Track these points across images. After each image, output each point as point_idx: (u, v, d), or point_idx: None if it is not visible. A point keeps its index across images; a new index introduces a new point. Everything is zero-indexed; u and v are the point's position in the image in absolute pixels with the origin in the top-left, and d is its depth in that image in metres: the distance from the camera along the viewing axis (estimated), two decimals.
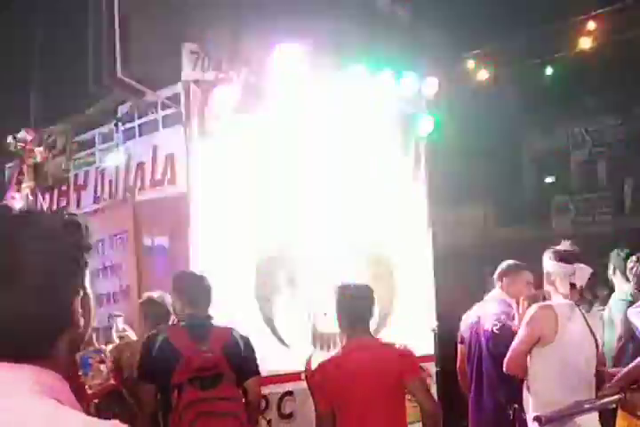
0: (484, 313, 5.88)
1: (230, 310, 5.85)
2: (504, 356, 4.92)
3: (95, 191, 6.96)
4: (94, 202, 6.93)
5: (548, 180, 22.27)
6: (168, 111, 6.16)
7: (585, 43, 14.41)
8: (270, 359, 6.00)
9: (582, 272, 4.77)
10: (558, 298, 4.82)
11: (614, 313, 6.04)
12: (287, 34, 6.18)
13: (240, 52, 6.06)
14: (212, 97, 5.90)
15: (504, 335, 5.49)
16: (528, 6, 17.35)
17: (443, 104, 7.71)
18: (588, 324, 4.78)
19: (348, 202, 6.81)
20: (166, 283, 5.93)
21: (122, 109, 6.66)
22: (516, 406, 5.34)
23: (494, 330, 5.66)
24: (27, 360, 1.39)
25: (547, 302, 4.86)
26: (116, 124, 6.69)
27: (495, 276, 5.92)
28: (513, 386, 5.21)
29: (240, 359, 4.72)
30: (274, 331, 6.19)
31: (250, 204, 6.20)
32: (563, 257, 4.81)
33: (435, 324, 7.18)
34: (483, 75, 15.94)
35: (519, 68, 16.59)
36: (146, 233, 6.22)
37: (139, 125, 6.50)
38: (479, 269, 9.77)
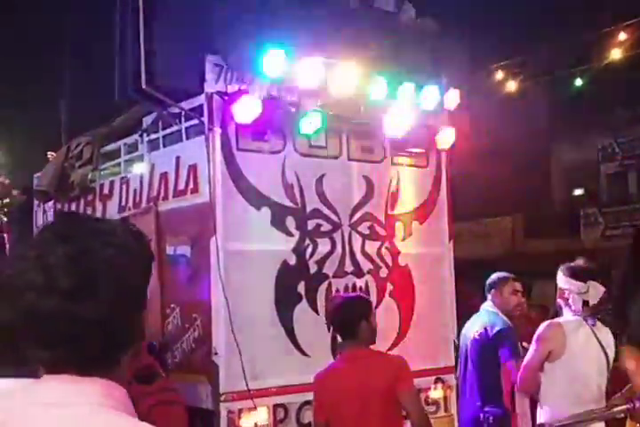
0: (471, 324, 6.54)
1: (251, 320, 5.92)
2: (482, 360, 5.21)
3: (120, 201, 7.06)
4: (119, 211, 7.03)
5: (578, 192, 22.13)
6: (191, 122, 6.24)
7: (615, 54, 14.34)
8: (291, 369, 6.05)
9: (595, 290, 4.90)
10: (568, 313, 4.96)
11: None
12: (309, 47, 6.25)
13: (262, 64, 6.13)
14: (234, 109, 5.98)
15: (484, 341, 6.14)
16: (557, 17, 17.31)
17: (470, 116, 7.73)
18: (598, 339, 4.82)
19: (369, 213, 6.84)
20: (187, 293, 6.03)
21: (147, 121, 6.77)
22: (488, 409, 5.76)
23: (475, 336, 6.12)
24: (95, 372, 1.38)
25: (555, 320, 5.03)
26: (140, 135, 6.80)
27: (485, 288, 6.41)
28: (490, 391, 5.68)
29: None
30: (294, 341, 6.23)
31: (272, 214, 6.27)
32: (576, 274, 4.95)
33: (454, 336, 7.17)
34: (511, 86, 15.94)
35: (548, 79, 16.56)
36: (168, 242, 6.29)
37: (163, 136, 6.60)
38: None
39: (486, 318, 6.47)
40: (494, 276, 6.54)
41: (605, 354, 4.94)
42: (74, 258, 1.37)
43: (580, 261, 5.10)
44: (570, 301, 4.98)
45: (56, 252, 1.38)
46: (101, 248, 1.40)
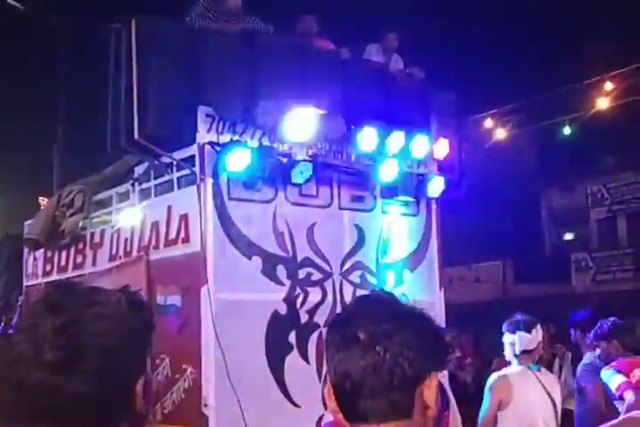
0: None
1: (241, 370, 5.88)
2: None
3: (111, 250, 7.05)
4: (110, 260, 7.02)
5: (568, 237, 22.22)
6: (183, 172, 6.28)
7: (602, 103, 14.58)
8: (281, 420, 5.99)
9: (521, 340, 5.24)
10: (514, 363, 5.30)
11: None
12: (300, 98, 6.33)
13: (254, 115, 6.21)
14: (226, 158, 6.03)
15: None
16: (546, 67, 17.61)
17: (460, 163, 7.81)
18: (543, 386, 5.09)
19: (360, 262, 6.85)
20: (177, 343, 5.99)
21: (138, 170, 6.81)
22: None
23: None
24: None
25: (501, 371, 5.41)
26: (132, 184, 6.83)
27: None
28: None
29: None
30: (285, 391, 6.18)
31: (262, 263, 6.27)
32: (507, 327, 5.34)
33: (448, 384, 7.12)
34: (501, 133, 16.14)
35: (537, 127, 16.78)
36: (159, 292, 6.28)
37: (154, 186, 6.63)
38: (498, 327, 9.73)
39: None
40: None
41: (552, 400, 5.22)
42: (61, 330, 1.36)
43: (517, 315, 5.40)
44: (504, 352, 5.39)
45: (46, 324, 1.37)
46: (92, 320, 1.38)
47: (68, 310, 1.39)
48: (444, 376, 7.03)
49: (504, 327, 5.37)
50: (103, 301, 1.43)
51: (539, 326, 5.33)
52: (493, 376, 5.33)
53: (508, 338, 5.32)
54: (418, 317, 1.60)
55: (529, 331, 5.24)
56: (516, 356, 5.29)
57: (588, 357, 6.45)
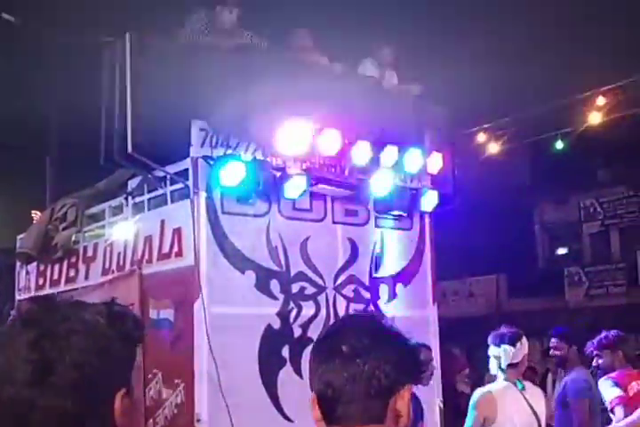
0: None
1: (234, 384, 5.85)
2: None
3: (104, 264, 7.03)
4: (103, 274, 6.99)
5: (561, 251, 22.25)
6: (176, 186, 6.28)
7: (594, 118, 14.66)
8: None
9: (506, 353, 5.16)
10: (500, 377, 5.24)
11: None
12: (294, 112, 6.34)
13: (248, 129, 6.22)
14: (220, 172, 6.03)
15: None
16: (539, 81, 17.69)
17: (453, 177, 7.83)
18: (527, 401, 5.05)
19: (353, 276, 6.85)
20: (170, 357, 5.97)
21: (132, 184, 6.80)
22: None
23: None
24: None
25: (485, 387, 5.39)
26: (125, 198, 6.82)
27: None
28: None
29: None
30: (278, 406, 6.15)
31: (256, 277, 6.26)
32: (492, 340, 5.27)
33: (440, 399, 7.11)
34: (493, 148, 16.19)
35: (530, 141, 16.85)
36: (152, 306, 6.26)
37: (148, 200, 6.62)
38: None
39: None
40: None
41: (536, 416, 5.14)
42: (33, 345, 1.36)
43: (502, 328, 5.33)
44: (489, 366, 5.32)
45: (20, 338, 1.38)
46: (65, 335, 1.38)
47: (41, 325, 1.39)
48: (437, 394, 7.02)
49: (489, 340, 5.32)
50: (79, 315, 1.43)
51: (524, 338, 5.28)
52: (477, 392, 5.29)
53: (493, 351, 5.28)
54: (396, 335, 1.81)
55: (514, 344, 5.20)
56: (501, 369, 5.24)
57: (584, 373, 6.45)
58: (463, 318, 17.47)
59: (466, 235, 17.12)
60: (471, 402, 5.25)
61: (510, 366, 5.21)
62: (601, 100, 14.65)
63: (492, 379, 5.97)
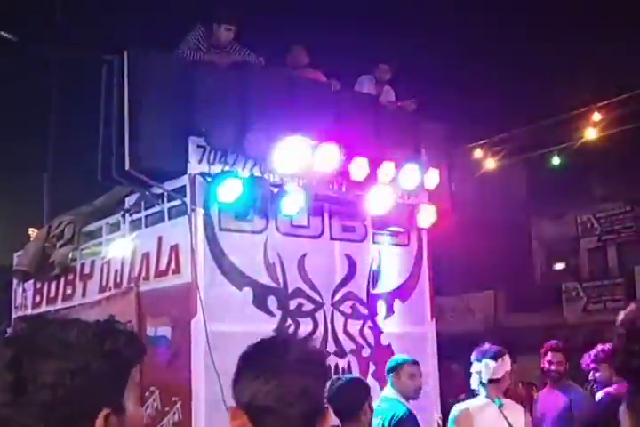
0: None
1: (231, 400, 5.80)
2: None
3: (101, 281, 7.02)
4: (100, 291, 6.97)
5: (558, 266, 22.23)
6: (174, 203, 6.27)
7: (591, 133, 14.74)
8: None
9: (487, 368, 5.18)
10: (482, 394, 5.25)
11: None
12: (291, 128, 6.35)
13: (245, 145, 6.22)
14: (217, 189, 6.03)
15: None
16: (535, 98, 17.77)
17: (450, 193, 7.84)
18: (506, 419, 5.05)
19: (351, 292, 6.83)
20: (167, 375, 5.93)
21: (129, 201, 6.80)
22: None
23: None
24: None
25: (463, 403, 5.40)
26: (123, 215, 6.81)
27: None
28: None
29: None
30: None
31: (253, 294, 6.24)
32: (475, 355, 5.29)
33: (439, 415, 7.07)
34: (491, 164, 16.24)
35: (527, 157, 16.91)
36: (149, 323, 6.23)
37: (145, 216, 6.61)
38: None
39: (385, 405, 5.84)
40: (392, 360, 6.04)
41: None
42: (9, 364, 1.37)
43: (485, 344, 5.38)
44: (471, 380, 5.33)
45: (1, 358, 1.39)
46: (42, 355, 1.38)
47: (21, 345, 1.40)
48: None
49: (472, 357, 5.33)
50: (64, 334, 1.42)
51: (507, 356, 5.28)
52: (455, 409, 5.28)
53: (474, 367, 5.29)
54: (305, 362, 1.90)
55: (495, 359, 5.20)
56: (482, 385, 5.24)
57: (586, 393, 6.42)
58: (461, 334, 17.42)
59: (463, 250, 17.11)
60: (450, 418, 5.27)
61: (491, 382, 5.22)
62: (597, 116, 14.75)
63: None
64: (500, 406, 5.20)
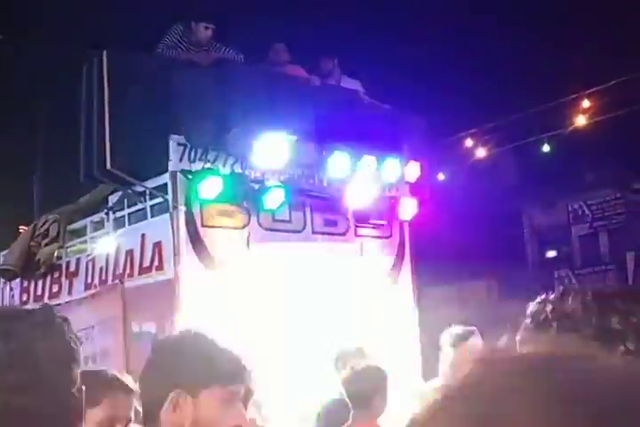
0: None
1: None
2: None
3: (86, 278, 7.08)
4: (86, 289, 7.04)
5: (550, 254, 22.29)
6: (156, 200, 6.34)
7: (580, 120, 14.76)
8: None
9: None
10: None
11: None
12: (271, 124, 6.41)
13: (226, 142, 6.28)
14: (198, 186, 6.09)
15: None
16: (524, 85, 17.80)
17: (432, 185, 7.90)
18: None
19: (331, 292, 6.83)
20: None
21: (112, 199, 6.86)
22: None
23: None
24: None
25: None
26: (106, 213, 6.87)
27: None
28: None
29: None
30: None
31: (235, 289, 6.31)
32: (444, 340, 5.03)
33: None
34: (481, 152, 16.25)
35: (516, 145, 16.93)
36: (134, 319, 6.31)
37: (128, 214, 6.68)
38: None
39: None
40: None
41: None
42: None
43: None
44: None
45: None
46: (18, 331, 1.44)
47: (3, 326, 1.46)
48: None
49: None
50: (32, 316, 1.49)
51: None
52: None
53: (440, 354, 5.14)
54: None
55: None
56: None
57: None
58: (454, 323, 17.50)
59: (455, 240, 17.19)
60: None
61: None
62: (586, 103, 14.77)
63: None
64: None
